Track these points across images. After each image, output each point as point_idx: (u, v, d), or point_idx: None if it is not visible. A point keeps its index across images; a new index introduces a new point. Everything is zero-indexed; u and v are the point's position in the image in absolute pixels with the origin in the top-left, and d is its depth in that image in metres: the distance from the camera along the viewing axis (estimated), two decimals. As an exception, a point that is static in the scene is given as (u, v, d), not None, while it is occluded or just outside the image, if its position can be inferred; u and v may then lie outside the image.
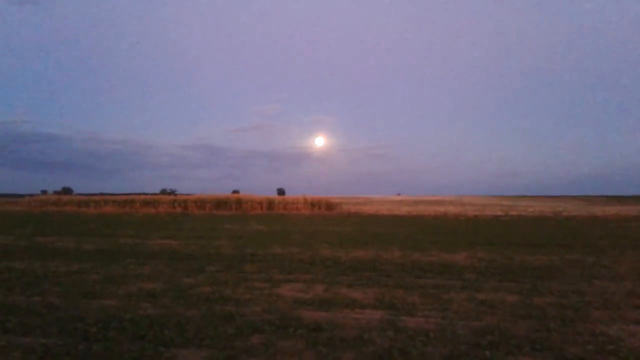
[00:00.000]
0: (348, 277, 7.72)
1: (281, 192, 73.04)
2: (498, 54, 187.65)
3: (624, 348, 4.27)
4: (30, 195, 47.90)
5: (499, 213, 32.65)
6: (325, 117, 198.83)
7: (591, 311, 5.61)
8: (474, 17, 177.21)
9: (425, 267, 8.68)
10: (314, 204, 38.40)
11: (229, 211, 36.82)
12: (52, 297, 6.18)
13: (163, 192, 69.09)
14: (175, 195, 53.95)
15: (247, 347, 4.26)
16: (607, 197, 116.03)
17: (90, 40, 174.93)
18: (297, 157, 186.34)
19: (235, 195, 43.63)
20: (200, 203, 38.99)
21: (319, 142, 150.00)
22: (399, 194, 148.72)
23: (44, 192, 62.11)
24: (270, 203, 38.83)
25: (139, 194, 48.36)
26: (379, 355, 4.06)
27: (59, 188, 72.50)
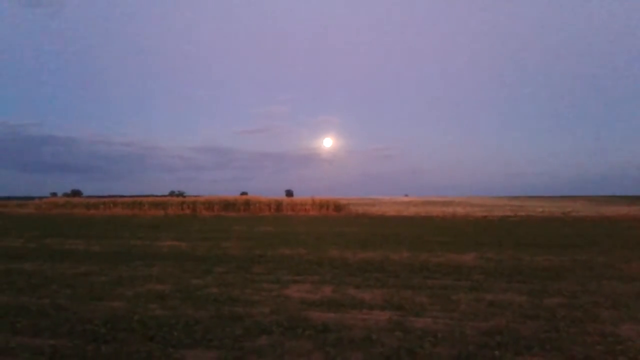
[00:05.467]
0: (356, 278, 7.70)
1: (289, 193, 73.13)
2: (506, 55, 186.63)
3: (634, 348, 4.23)
4: (40, 197, 48.25)
5: (507, 213, 32.42)
6: (333, 117, 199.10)
7: (600, 311, 5.56)
8: (479, 17, 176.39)
9: (433, 268, 8.65)
10: (322, 205, 38.33)
11: (237, 213, 36.93)
12: (61, 299, 6.24)
13: (172, 193, 69.43)
14: (184, 197, 54.13)
15: (255, 348, 4.27)
16: (616, 197, 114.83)
17: (100, 42, 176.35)
18: (305, 159, 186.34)
19: (244, 196, 43.68)
20: (209, 205, 39.12)
21: (327, 143, 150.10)
22: (406, 195, 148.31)
23: (54, 194, 62.78)
24: (279, 204, 38.86)
25: (148, 195, 48.82)
26: (387, 356, 4.05)
27: (68, 190, 73.01)
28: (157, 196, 49.17)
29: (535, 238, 14.60)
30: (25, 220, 28.05)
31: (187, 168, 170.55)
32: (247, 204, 38.88)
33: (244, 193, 55.16)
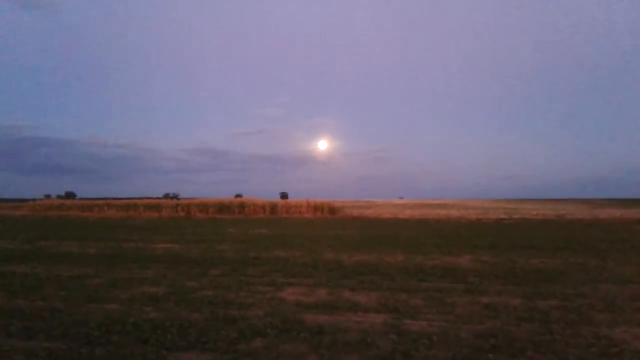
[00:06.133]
0: (351, 281, 7.71)
1: (284, 195, 73.18)
2: (501, 57, 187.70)
3: (628, 351, 4.26)
4: (34, 199, 47.86)
5: (502, 216, 32.52)
6: (328, 120, 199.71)
7: (594, 314, 5.59)
8: (475, 19, 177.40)
9: (428, 271, 8.66)
10: (317, 207, 38.27)
11: (232, 215, 36.82)
12: (55, 301, 6.20)
13: (166, 196, 69.22)
14: (178, 199, 53.98)
15: (249, 350, 4.26)
16: (610, 200, 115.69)
17: (96, 45, 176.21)
18: (300, 161, 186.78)
19: (238, 199, 43.62)
20: (203, 207, 38.98)
21: (322, 145, 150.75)
22: (401, 198, 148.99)
23: (48, 196, 62.26)
24: (273, 207, 38.77)
25: (142, 198, 48.56)
26: (382, 358, 4.06)
27: (62, 192, 72.78)
28: (151, 198, 48.85)
29: (530, 241, 14.65)
30: (19, 222, 27.84)
31: (182, 170, 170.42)
32: (242, 206, 38.77)
33: (238, 195, 55.15)
